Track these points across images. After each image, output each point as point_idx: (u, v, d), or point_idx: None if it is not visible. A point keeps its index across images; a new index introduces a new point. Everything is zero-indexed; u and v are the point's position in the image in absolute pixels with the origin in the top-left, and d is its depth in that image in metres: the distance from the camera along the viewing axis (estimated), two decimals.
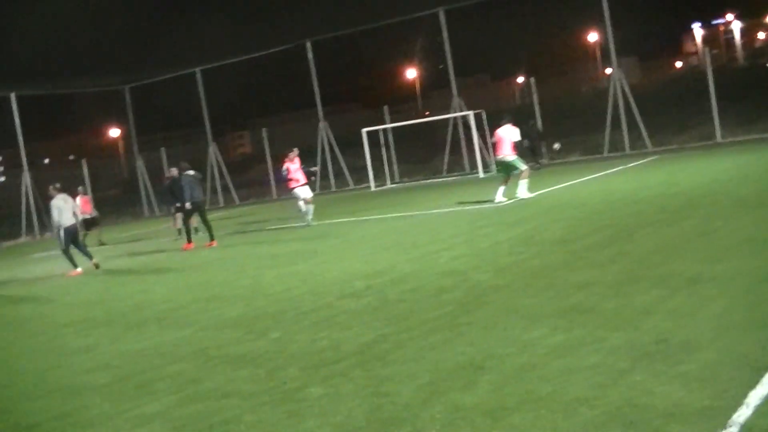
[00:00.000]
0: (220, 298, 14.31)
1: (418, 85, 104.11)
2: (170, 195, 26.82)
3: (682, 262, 11.48)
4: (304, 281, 14.62)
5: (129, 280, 19.30)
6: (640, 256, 12.36)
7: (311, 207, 25.64)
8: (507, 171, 23.83)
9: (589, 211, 18.51)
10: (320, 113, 46.32)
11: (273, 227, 27.42)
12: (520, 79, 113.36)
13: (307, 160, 46.62)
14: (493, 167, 37.65)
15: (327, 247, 19.60)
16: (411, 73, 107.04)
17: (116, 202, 53.99)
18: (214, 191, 49.42)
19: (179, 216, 26.43)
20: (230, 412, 7.72)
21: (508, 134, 23.76)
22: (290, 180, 25.56)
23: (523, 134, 36.28)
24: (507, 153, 23.66)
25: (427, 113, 73.53)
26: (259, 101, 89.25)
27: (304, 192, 25.58)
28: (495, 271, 12.84)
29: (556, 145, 37.67)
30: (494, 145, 24.80)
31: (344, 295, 12.70)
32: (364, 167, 42.04)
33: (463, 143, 42.21)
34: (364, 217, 26.03)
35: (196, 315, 13.11)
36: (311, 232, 23.49)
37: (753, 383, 6.41)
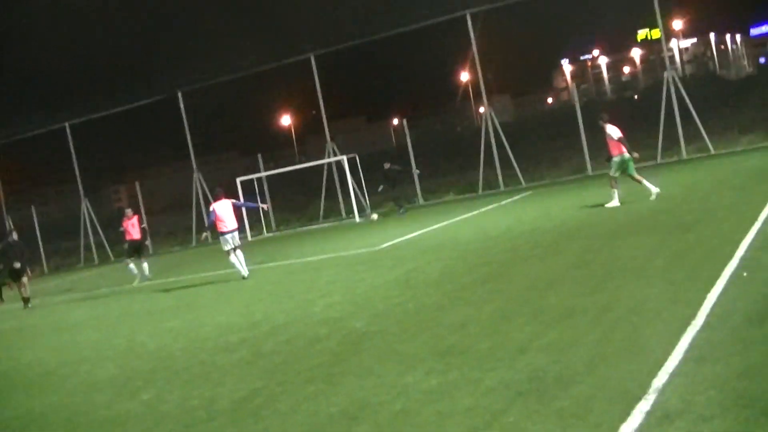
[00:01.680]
0: (91, 359, 13.78)
1: (293, 132, 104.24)
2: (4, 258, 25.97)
3: (555, 296, 11.50)
4: (176, 338, 14.21)
5: None
6: (515, 293, 12.35)
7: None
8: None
9: (464, 251, 18.51)
10: (194, 164, 45.72)
11: (150, 282, 26.79)
12: (396, 121, 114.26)
13: (184, 211, 46.25)
14: (368, 210, 37.75)
15: (202, 300, 19.19)
16: (286, 120, 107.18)
17: None
18: (88, 248, 48.29)
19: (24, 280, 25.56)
20: None
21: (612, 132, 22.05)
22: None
23: (381, 179, 36.44)
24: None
25: (302, 159, 73.54)
26: (137, 153, 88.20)
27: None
28: (370, 317, 12.67)
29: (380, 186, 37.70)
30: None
31: (218, 350, 12.36)
32: (241, 217, 41.55)
33: (338, 188, 42.08)
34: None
35: (65, 379, 12.59)
36: (186, 287, 23.02)
37: (625, 416, 6.40)
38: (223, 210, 21.56)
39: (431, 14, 41.50)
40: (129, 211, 27.61)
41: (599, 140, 38.85)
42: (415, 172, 39.43)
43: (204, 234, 24.22)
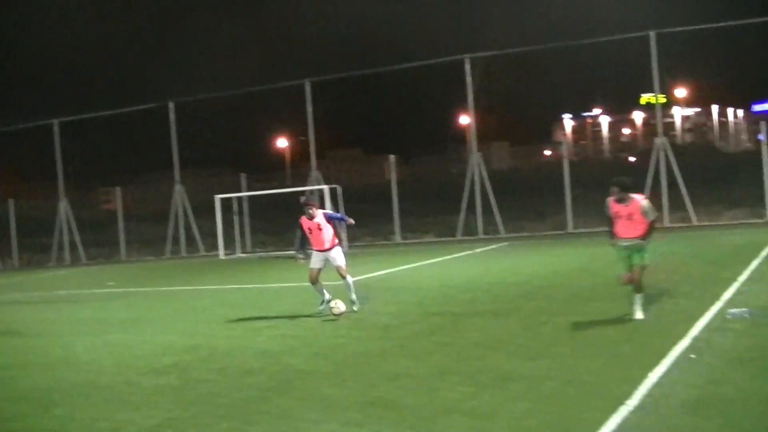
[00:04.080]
0: (19, 366, 13.31)
1: (288, 155, 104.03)
2: None
3: (498, 357, 11.13)
4: (112, 353, 13.76)
5: None
6: (460, 349, 11.97)
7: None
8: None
9: (423, 296, 18.12)
10: (177, 175, 45.35)
11: (111, 289, 26.35)
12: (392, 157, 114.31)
13: (164, 221, 45.76)
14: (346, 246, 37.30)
15: (153, 316, 18.75)
16: (282, 142, 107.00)
17: None
18: (61, 247, 47.80)
19: None
20: None
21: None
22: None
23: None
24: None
25: (293, 183, 73.17)
26: (130, 158, 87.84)
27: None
28: (309, 355, 12.27)
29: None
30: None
31: (148, 371, 11.94)
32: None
33: None
34: (202, 287, 25.21)
35: None
36: (143, 299, 22.60)
37: None
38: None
39: (432, 55, 41.49)
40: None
41: (587, 199, 38.99)
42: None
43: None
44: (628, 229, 13.49)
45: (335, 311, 15.32)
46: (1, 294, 28.27)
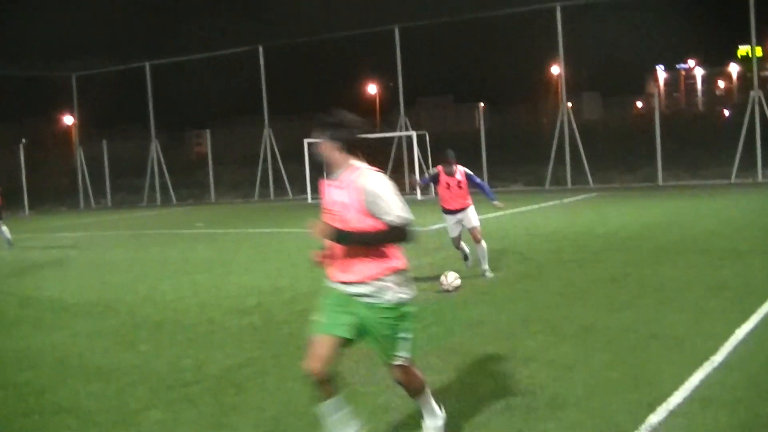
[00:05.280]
0: (108, 302, 13.58)
1: (377, 101, 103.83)
2: None
3: (581, 307, 11.02)
4: (197, 292, 13.95)
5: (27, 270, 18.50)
6: (542, 298, 11.88)
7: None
8: None
9: (510, 244, 17.97)
10: (266, 120, 45.59)
11: (199, 230, 26.71)
12: (482, 104, 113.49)
13: (252, 165, 46.10)
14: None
15: (240, 256, 18.98)
16: (372, 89, 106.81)
17: (60, 192, 52.60)
18: (153, 189, 48.53)
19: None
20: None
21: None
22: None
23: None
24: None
25: (385, 129, 73.09)
26: (220, 102, 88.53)
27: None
28: None
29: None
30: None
31: (231, 311, 12.08)
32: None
33: (406, 163, 41.59)
34: (288, 229, 25.39)
35: (76, 319, 12.42)
36: (231, 240, 22.87)
37: None
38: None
39: (523, 2, 40.94)
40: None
41: (678, 151, 38.38)
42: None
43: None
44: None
45: (447, 287, 12.67)
46: (94, 231, 28.87)
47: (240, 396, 7.87)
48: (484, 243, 14.22)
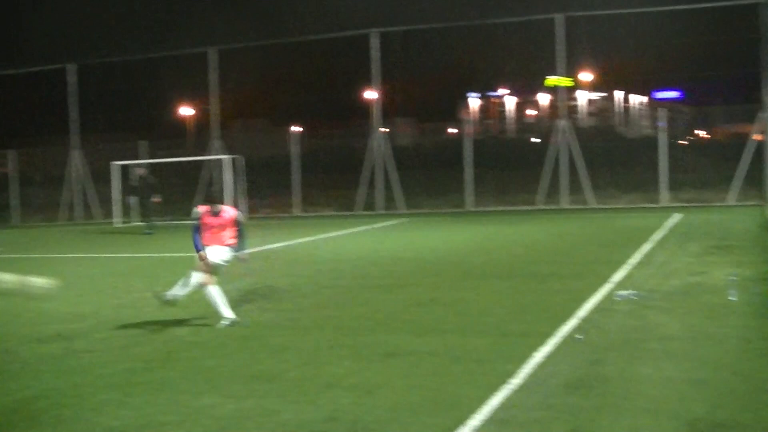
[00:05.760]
0: None
1: (191, 124, 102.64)
2: None
3: (386, 332, 11.11)
4: None
5: None
6: (348, 323, 11.93)
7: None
8: None
9: (317, 270, 18.00)
10: (75, 140, 44.48)
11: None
12: (299, 128, 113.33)
13: (58, 186, 44.68)
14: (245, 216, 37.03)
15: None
16: (188, 111, 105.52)
17: None
18: None
19: None
20: None
21: None
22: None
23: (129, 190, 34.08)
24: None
25: (197, 153, 72.22)
26: (26, 121, 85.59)
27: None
28: (197, 326, 12.11)
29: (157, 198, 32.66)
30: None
31: (30, 340, 11.65)
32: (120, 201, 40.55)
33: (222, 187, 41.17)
34: (94, 254, 24.73)
35: None
36: (32, 266, 22.10)
37: None
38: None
39: (339, 29, 41.43)
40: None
41: (487, 177, 39.34)
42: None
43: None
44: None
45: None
46: None
47: (33, 430, 7.58)
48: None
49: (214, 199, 13.06)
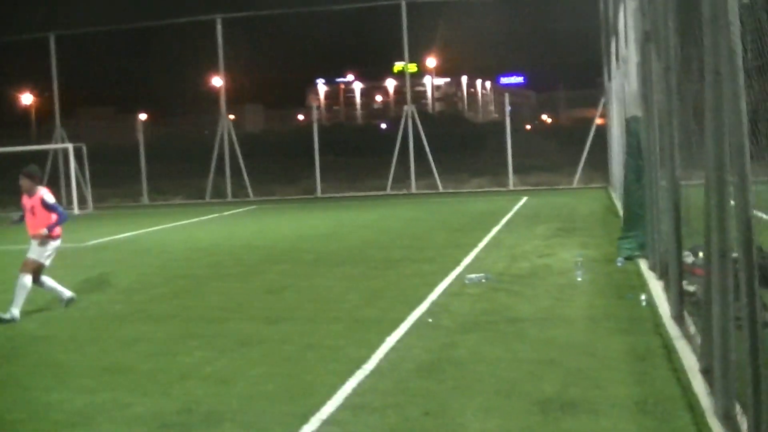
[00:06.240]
0: None
1: (33, 112, 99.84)
2: None
3: (239, 321, 11.07)
4: None
5: None
6: (201, 312, 11.81)
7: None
8: None
9: (168, 259, 17.81)
10: None
11: None
12: (144, 116, 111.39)
13: None
14: (91, 206, 36.30)
15: None
16: (28, 98, 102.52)
17: None
18: None
19: None
20: None
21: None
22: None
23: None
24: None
25: (42, 142, 70.25)
26: None
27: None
28: (44, 320, 11.81)
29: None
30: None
31: None
32: None
33: (62, 177, 40.16)
34: None
35: None
36: None
37: None
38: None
39: (183, 13, 40.86)
40: None
41: (337, 163, 39.48)
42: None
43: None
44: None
45: None
46: None
47: None
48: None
49: (32, 174, 12.25)
